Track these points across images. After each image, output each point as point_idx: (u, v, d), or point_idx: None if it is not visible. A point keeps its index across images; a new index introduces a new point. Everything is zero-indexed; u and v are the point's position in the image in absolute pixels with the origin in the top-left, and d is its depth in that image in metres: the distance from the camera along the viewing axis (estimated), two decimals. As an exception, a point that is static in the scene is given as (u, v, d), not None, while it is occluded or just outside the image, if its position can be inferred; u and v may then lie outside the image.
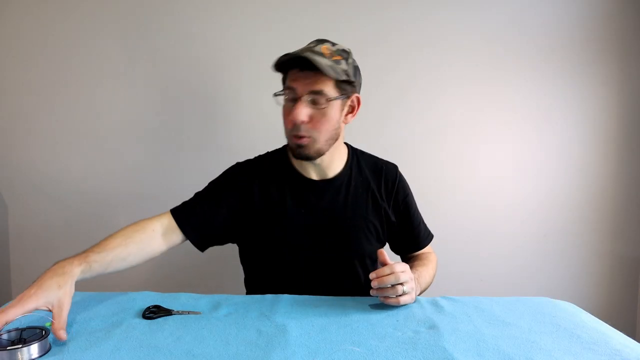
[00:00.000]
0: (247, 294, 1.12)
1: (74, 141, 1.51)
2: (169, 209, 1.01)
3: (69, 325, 0.76)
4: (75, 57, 1.48)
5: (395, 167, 1.11)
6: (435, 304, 0.88)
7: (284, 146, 1.10)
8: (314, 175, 1.03)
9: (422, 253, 1.12)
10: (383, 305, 0.87)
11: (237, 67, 1.49)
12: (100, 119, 1.50)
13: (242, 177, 1.05)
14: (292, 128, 0.93)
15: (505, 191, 1.55)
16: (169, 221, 0.97)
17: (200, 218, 0.99)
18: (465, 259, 1.56)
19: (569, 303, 0.91)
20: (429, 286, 1.04)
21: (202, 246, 1.02)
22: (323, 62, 0.87)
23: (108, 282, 1.54)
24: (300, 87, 0.90)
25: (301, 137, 0.93)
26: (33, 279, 1.62)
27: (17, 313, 0.67)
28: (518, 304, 0.88)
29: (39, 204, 1.53)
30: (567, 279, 1.58)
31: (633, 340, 0.73)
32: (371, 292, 0.85)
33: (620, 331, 0.78)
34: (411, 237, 1.10)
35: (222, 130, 1.52)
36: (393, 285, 0.83)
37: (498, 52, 1.50)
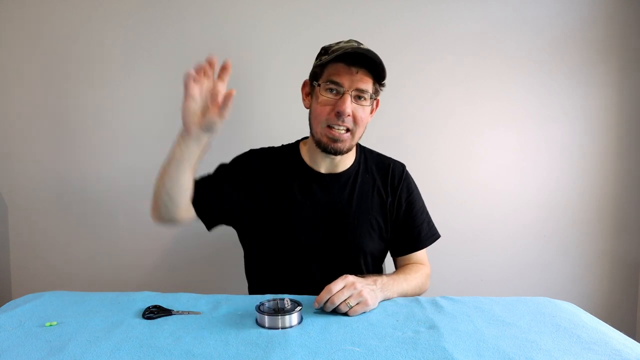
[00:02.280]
0: (249, 286, 1.14)
1: (74, 142, 1.51)
2: None
3: (69, 324, 0.76)
4: (77, 58, 1.48)
5: (402, 165, 1.12)
6: (435, 304, 0.88)
7: (297, 141, 1.13)
8: (322, 169, 1.06)
9: (413, 264, 1.08)
10: (383, 305, 0.87)
11: (244, 66, 1.49)
12: (101, 119, 1.50)
13: (254, 163, 1.07)
14: (332, 118, 0.95)
15: (506, 191, 1.55)
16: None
17: (207, 195, 1.00)
18: (465, 259, 1.56)
19: (569, 303, 0.91)
20: (413, 294, 0.99)
21: (209, 223, 1.03)
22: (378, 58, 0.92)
23: (108, 282, 1.55)
24: (347, 82, 0.93)
25: (341, 131, 0.96)
26: (33, 279, 1.64)
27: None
28: (518, 304, 0.88)
29: (39, 204, 1.53)
30: (567, 279, 1.58)
31: (633, 340, 0.73)
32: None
33: (620, 331, 0.78)
34: (410, 237, 1.09)
35: (222, 131, 1.51)
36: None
37: (498, 52, 1.50)
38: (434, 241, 1.12)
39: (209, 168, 1.53)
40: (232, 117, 1.51)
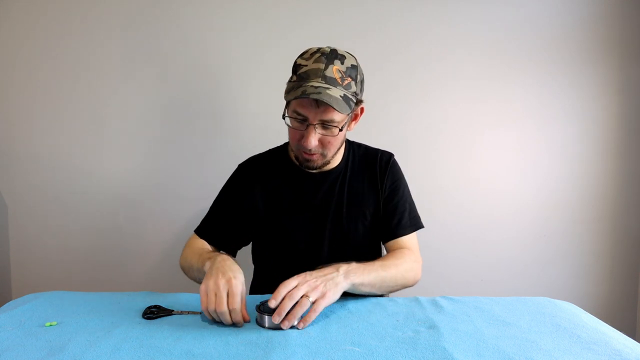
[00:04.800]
0: (251, 287, 1.15)
1: (74, 142, 1.51)
2: (194, 230, 1.08)
3: (69, 324, 0.76)
4: (77, 59, 1.48)
5: (389, 154, 1.11)
6: (435, 304, 0.88)
7: (284, 144, 1.14)
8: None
9: (397, 250, 1.03)
10: (383, 305, 0.87)
11: (241, 67, 1.50)
12: (101, 120, 1.50)
13: (244, 177, 1.10)
14: (301, 145, 0.95)
15: (506, 191, 1.55)
16: (202, 241, 1.06)
17: (222, 231, 1.06)
18: (465, 259, 1.56)
19: (569, 303, 0.91)
20: (397, 282, 0.94)
21: (233, 253, 1.09)
22: (337, 95, 0.88)
23: (108, 282, 1.55)
24: (311, 115, 0.91)
25: (312, 154, 0.96)
26: (33, 279, 1.64)
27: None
28: (518, 304, 0.88)
29: (39, 204, 1.53)
30: (567, 279, 1.58)
31: (633, 340, 0.73)
32: (283, 325, 0.75)
33: (620, 331, 0.78)
34: (391, 223, 1.05)
35: (222, 131, 1.52)
36: (295, 304, 0.75)
37: (498, 52, 1.50)
38: (415, 230, 1.07)
39: (210, 170, 1.54)
40: (232, 117, 1.52)
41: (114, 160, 1.52)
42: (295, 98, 0.90)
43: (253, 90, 1.50)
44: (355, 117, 1.03)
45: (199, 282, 0.91)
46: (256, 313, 0.78)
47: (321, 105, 0.89)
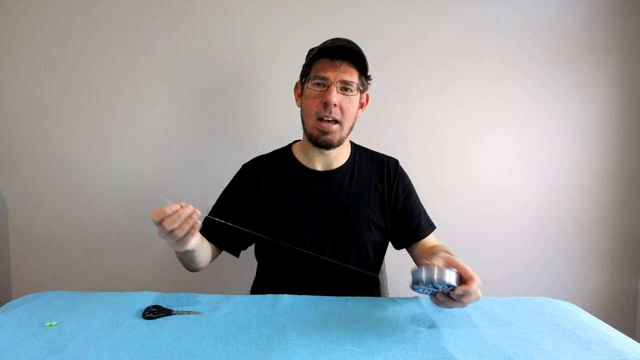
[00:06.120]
0: (253, 283, 1.16)
1: (74, 142, 1.51)
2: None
3: (68, 325, 0.76)
4: (77, 59, 1.48)
5: (396, 160, 1.14)
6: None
7: (289, 145, 1.15)
8: (318, 167, 1.08)
9: (434, 247, 1.06)
10: (383, 305, 0.87)
11: (241, 68, 1.50)
12: (101, 119, 1.50)
13: (248, 177, 1.11)
14: (320, 110, 0.98)
15: (506, 191, 1.55)
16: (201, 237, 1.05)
17: (224, 231, 1.02)
18: (465, 259, 1.54)
19: (569, 303, 0.91)
20: None
21: (236, 253, 1.09)
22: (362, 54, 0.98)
23: (108, 282, 1.55)
24: (332, 75, 0.98)
25: (329, 122, 0.99)
26: (33, 279, 1.64)
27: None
28: (518, 304, 0.88)
29: (39, 205, 1.53)
30: (567, 279, 1.58)
31: (633, 340, 0.73)
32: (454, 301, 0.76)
33: (620, 331, 0.78)
34: (412, 227, 1.09)
35: (224, 132, 1.52)
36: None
37: (498, 52, 1.50)
38: (432, 230, 1.11)
39: (209, 172, 1.53)
40: (235, 117, 1.52)
41: (113, 160, 1.52)
42: (325, 47, 0.96)
43: (254, 91, 1.50)
44: (361, 106, 1.06)
45: (192, 269, 1.00)
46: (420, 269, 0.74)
47: (343, 63, 0.97)
